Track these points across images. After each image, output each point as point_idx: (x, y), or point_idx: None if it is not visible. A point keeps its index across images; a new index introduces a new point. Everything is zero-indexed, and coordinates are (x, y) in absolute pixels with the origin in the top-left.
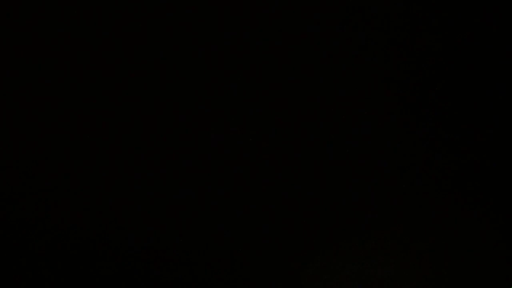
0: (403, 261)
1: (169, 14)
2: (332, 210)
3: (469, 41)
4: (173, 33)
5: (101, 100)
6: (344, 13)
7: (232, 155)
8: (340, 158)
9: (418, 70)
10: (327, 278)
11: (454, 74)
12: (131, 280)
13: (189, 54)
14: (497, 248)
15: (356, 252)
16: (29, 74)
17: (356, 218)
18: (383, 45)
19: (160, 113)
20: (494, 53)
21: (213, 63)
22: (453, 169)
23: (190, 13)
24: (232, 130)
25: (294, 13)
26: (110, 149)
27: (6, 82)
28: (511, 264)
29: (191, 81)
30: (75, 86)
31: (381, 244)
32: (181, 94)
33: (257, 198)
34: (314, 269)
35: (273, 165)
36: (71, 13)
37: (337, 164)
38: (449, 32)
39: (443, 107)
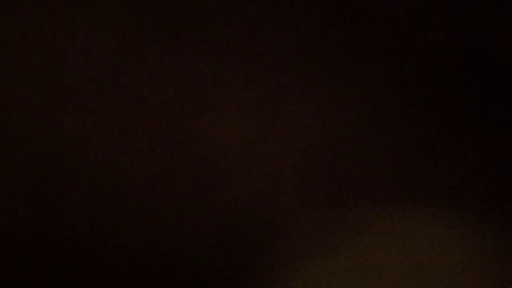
0: (403, 261)
1: None
2: (331, 209)
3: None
4: None
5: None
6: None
7: (231, 152)
8: (339, 158)
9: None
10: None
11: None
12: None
13: None
14: (497, 248)
15: (354, 252)
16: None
17: (356, 218)
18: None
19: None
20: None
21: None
22: (452, 169)
23: None
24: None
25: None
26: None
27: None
28: (511, 264)
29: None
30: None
31: (381, 244)
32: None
33: (255, 197)
34: (312, 269)
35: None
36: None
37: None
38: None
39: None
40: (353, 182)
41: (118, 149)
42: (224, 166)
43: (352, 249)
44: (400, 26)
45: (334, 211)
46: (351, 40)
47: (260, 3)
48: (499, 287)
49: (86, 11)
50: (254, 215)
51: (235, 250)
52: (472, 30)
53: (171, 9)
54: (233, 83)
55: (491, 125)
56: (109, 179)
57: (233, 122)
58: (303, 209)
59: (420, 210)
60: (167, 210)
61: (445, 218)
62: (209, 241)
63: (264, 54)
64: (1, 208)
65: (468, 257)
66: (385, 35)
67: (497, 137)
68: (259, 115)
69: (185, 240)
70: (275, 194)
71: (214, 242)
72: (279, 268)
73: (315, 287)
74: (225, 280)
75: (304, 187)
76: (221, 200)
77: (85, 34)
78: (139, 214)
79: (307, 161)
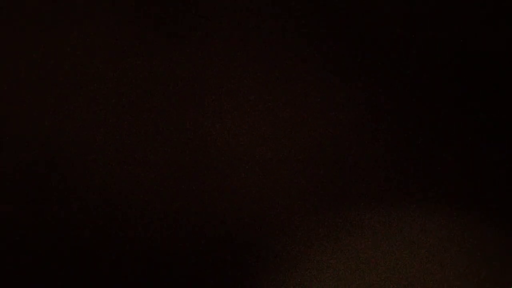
0: (402, 261)
1: None
2: (331, 208)
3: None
4: None
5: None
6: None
7: (232, 151)
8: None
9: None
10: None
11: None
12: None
13: None
14: (497, 248)
15: (353, 252)
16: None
17: (355, 217)
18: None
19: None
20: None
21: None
22: (453, 169)
23: None
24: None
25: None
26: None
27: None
28: (511, 264)
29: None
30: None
31: (381, 244)
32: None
33: (254, 196)
34: (310, 268)
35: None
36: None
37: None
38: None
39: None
40: (353, 183)
41: (118, 149)
42: (224, 166)
43: (352, 249)
44: (400, 26)
45: (334, 211)
46: (351, 41)
47: (261, 3)
48: (499, 287)
49: (86, 11)
50: (254, 215)
51: (235, 250)
52: (472, 30)
53: (173, 9)
54: (233, 84)
55: (491, 125)
56: (109, 179)
57: (233, 122)
58: (303, 209)
59: (420, 210)
60: (167, 210)
61: (445, 218)
62: (209, 241)
63: (265, 54)
64: (1, 208)
65: (468, 257)
66: (385, 35)
67: (498, 137)
68: (259, 116)
69: (185, 240)
70: (275, 194)
71: (214, 242)
72: (279, 268)
73: (315, 286)
74: (225, 280)
75: (304, 187)
76: (221, 200)
77: (86, 34)
78: (139, 214)
79: (307, 162)
